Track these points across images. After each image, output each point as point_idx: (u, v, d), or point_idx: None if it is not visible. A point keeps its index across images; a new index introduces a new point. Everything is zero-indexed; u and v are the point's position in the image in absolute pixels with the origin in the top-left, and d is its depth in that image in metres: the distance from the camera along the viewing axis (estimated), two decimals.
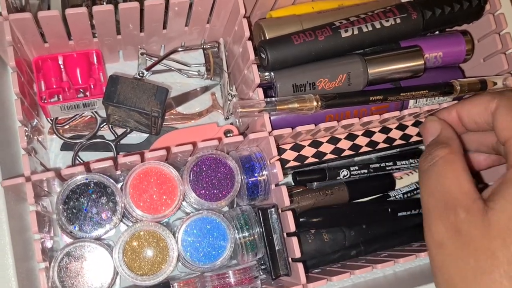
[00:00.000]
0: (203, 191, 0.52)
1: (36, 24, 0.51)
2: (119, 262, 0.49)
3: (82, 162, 0.60)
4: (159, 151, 0.50)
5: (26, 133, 0.50)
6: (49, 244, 0.53)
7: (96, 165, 0.49)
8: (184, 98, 0.64)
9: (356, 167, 0.60)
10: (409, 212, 0.62)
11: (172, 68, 0.63)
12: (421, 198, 0.47)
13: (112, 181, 0.50)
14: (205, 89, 0.65)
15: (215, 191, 0.52)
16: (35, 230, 0.47)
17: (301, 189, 0.60)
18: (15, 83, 0.49)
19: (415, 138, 0.60)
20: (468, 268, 0.40)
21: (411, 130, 0.60)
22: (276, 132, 0.53)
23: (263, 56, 0.53)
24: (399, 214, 0.62)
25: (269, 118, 0.53)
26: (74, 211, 0.49)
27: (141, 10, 0.53)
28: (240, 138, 0.53)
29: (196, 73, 0.64)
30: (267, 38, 0.55)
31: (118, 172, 0.54)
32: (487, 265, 0.39)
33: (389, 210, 0.61)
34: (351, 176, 0.60)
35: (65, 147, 0.60)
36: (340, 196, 0.60)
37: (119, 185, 0.51)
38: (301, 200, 0.59)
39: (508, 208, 0.40)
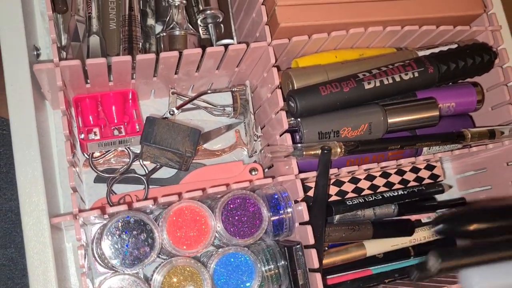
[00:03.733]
0: (233, 229, 0.56)
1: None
2: None
3: (115, 194, 0.63)
4: (196, 191, 0.54)
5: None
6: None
7: (138, 205, 0.53)
8: (209, 135, 0.68)
9: None
10: None
11: (200, 107, 0.67)
12: None
13: (151, 218, 0.53)
14: (229, 127, 0.69)
15: (244, 228, 0.56)
16: (82, 264, 0.50)
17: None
18: (65, 126, 0.52)
19: (427, 181, 0.65)
20: None
21: (424, 173, 0.65)
22: (303, 175, 0.57)
23: (292, 104, 0.57)
24: None
25: (296, 162, 0.57)
26: (117, 246, 0.52)
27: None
28: (270, 180, 0.57)
29: (222, 112, 0.67)
30: (295, 87, 0.59)
31: (150, 206, 0.57)
32: None
33: None
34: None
35: (98, 179, 0.64)
36: (365, 233, 0.64)
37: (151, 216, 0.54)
38: (332, 232, 0.62)
39: None
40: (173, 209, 0.54)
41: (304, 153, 0.56)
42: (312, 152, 0.56)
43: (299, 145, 0.56)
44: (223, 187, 0.55)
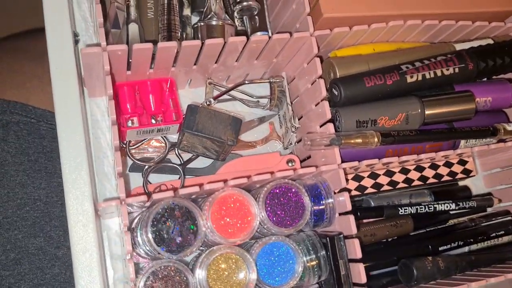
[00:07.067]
0: (276, 218, 0.56)
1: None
2: (203, 283, 0.52)
3: (150, 183, 0.62)
4: (241, 179, 0.54)
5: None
6: None
7: (184, 191, 0.52)
8: (244, 127, 0.68)
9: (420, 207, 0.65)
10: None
11: (236, 98, 0.66)
12: None
13: (196, 206, 0.53)
14: (261, 119, 0.69)
15: (287, 218, 0.56)
16: (129, 249, 0.50)
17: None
18: (112, 111, 0.52)
19: (460, 176, 0.66)
20: None
21: (457, 168, 0.66)
22: (345, 165, 0.57)
23: (336, 92, 0.57)
24: None
25: (339, 151, 0.57)
26: (162, 233, 0.52)
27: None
28: (313, 169, 0.57)
29: (256, 104, 0.67)
30: (338, 75, 0.59)
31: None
32: None
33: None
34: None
35: (133, 168, 0.63)
36: (406, 228, 0.64)
37: None
38: (376, 230, 0.63)
39: None
40: (217, 196, 0.54)
41: (343, 141, 0.55)
42: (352, 141, 0.56)
43: (338, 133, 0.56)
44: (267, 175, 0.55)
